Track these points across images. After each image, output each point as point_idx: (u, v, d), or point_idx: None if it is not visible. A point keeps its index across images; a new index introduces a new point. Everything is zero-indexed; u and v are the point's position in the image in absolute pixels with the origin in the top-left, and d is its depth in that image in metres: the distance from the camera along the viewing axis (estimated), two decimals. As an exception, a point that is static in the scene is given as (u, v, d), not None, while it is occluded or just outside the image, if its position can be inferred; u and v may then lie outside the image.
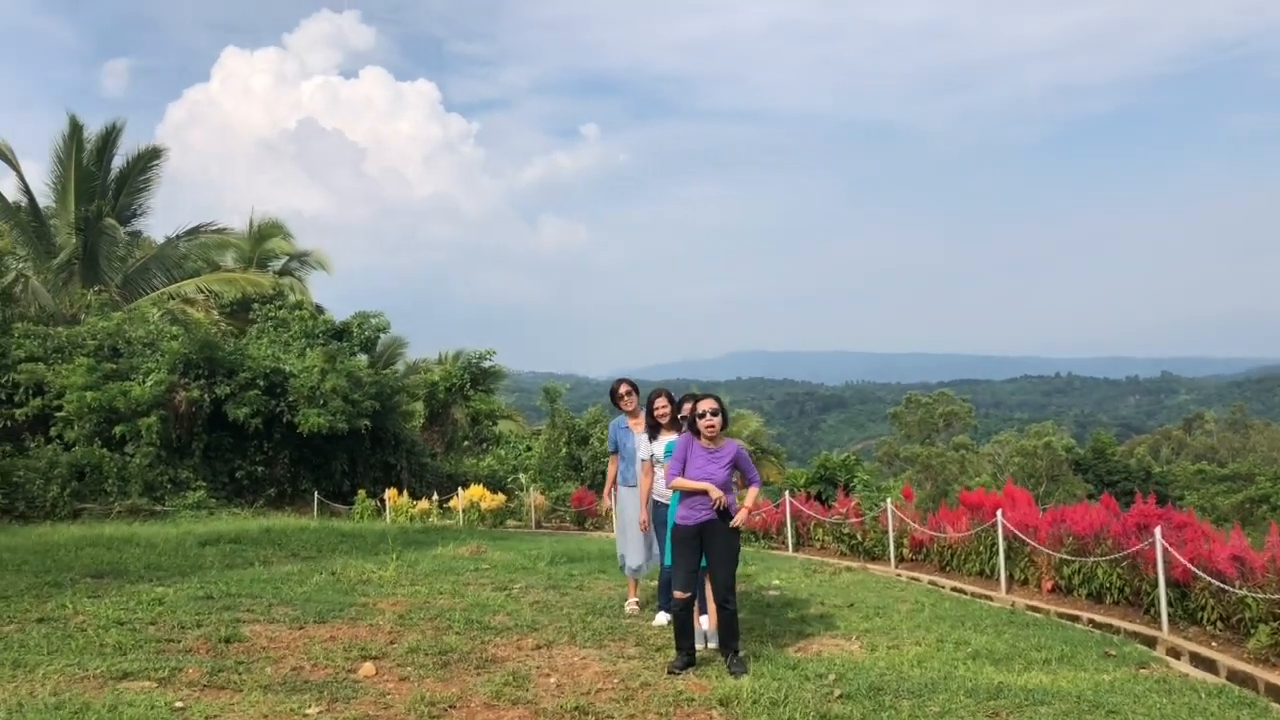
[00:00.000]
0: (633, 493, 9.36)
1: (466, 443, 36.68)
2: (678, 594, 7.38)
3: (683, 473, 7.53)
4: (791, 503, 16.12)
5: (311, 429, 25.19)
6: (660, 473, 8.57)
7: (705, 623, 8.15)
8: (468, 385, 34.11)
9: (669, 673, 7.04)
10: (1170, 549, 8.67)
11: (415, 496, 26.05)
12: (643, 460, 9.02)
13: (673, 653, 7.42)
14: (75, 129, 33.42)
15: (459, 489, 24.19)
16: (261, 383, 25.51)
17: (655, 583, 9.52)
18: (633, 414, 9.52)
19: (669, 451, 8.27)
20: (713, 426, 7.53)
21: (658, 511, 8.71)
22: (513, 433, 41.11)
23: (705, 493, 7.40)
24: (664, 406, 8.82)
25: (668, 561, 7.98)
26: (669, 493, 8.07)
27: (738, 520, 7.55)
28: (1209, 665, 7.81)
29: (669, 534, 7.86)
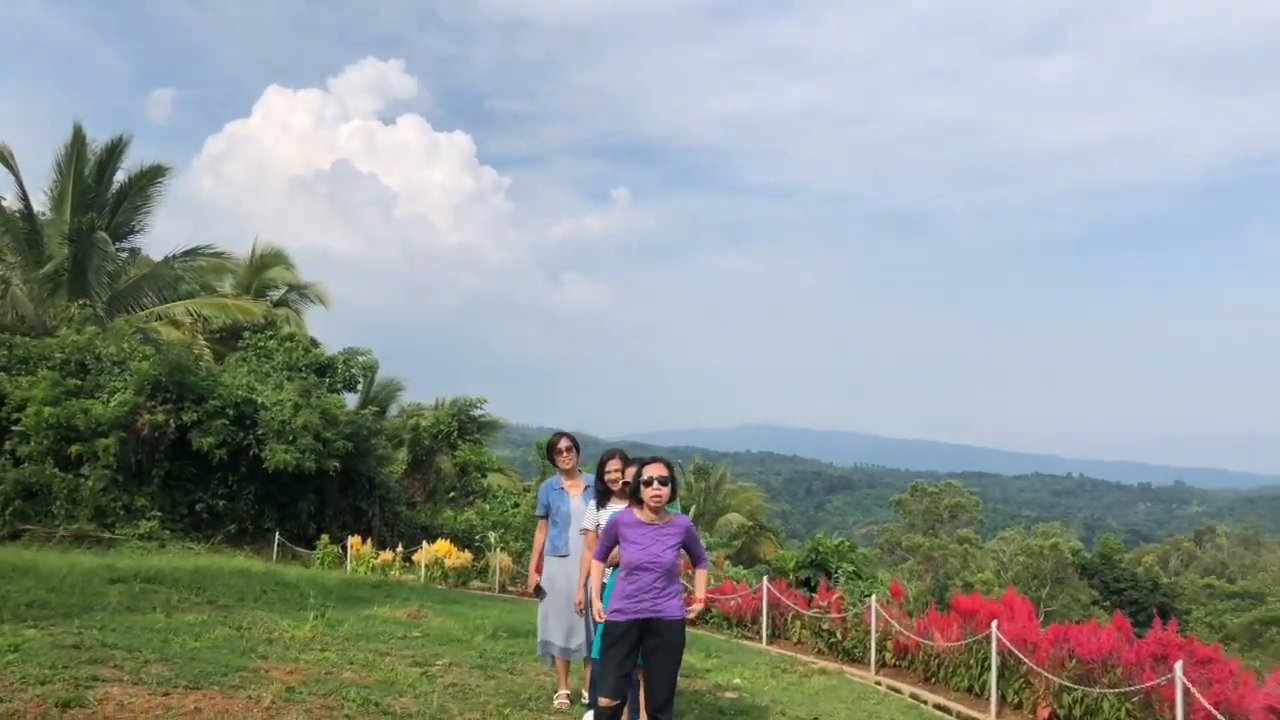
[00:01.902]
0: (562, 565, 8.04)
1: (452, 494, 35.31)
2: (604, 701, 6.07)
3: (606, 554, 6.28)
4: (769, 590, 14.72)
5: (278, 465, 23.94)
6: None
7: (636, 732, 6.83)
8: (455, 433, 32.82)
9: (578, 793, 5.73)
10: (1193, 689, 7.31)
11: (384, 546, 24.73)
12: (585, 530, 7.73)
13: (587, 766, 6.10)
14: (78, 139, 32.71)
15: (424, 542, 22.86)
16: (231, 412, 24.33)
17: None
18: (569, 474, 8.25)
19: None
20: (659, 497, 6.22)
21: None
22: (502, 487, 39.67)
23: (652, 580, 6.12)
24: (616, 470, 7.53)
25: (596, 654, 6.67)
26: (608, 572, 6.79)
27: (696, 608, 6.28)
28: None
29: (599, 626, 6.56)
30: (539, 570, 8.35)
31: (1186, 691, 7.35)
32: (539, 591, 8.22)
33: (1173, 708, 7.46)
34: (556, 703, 8.12)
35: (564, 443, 8.28)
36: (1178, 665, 7.47)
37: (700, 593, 6.59)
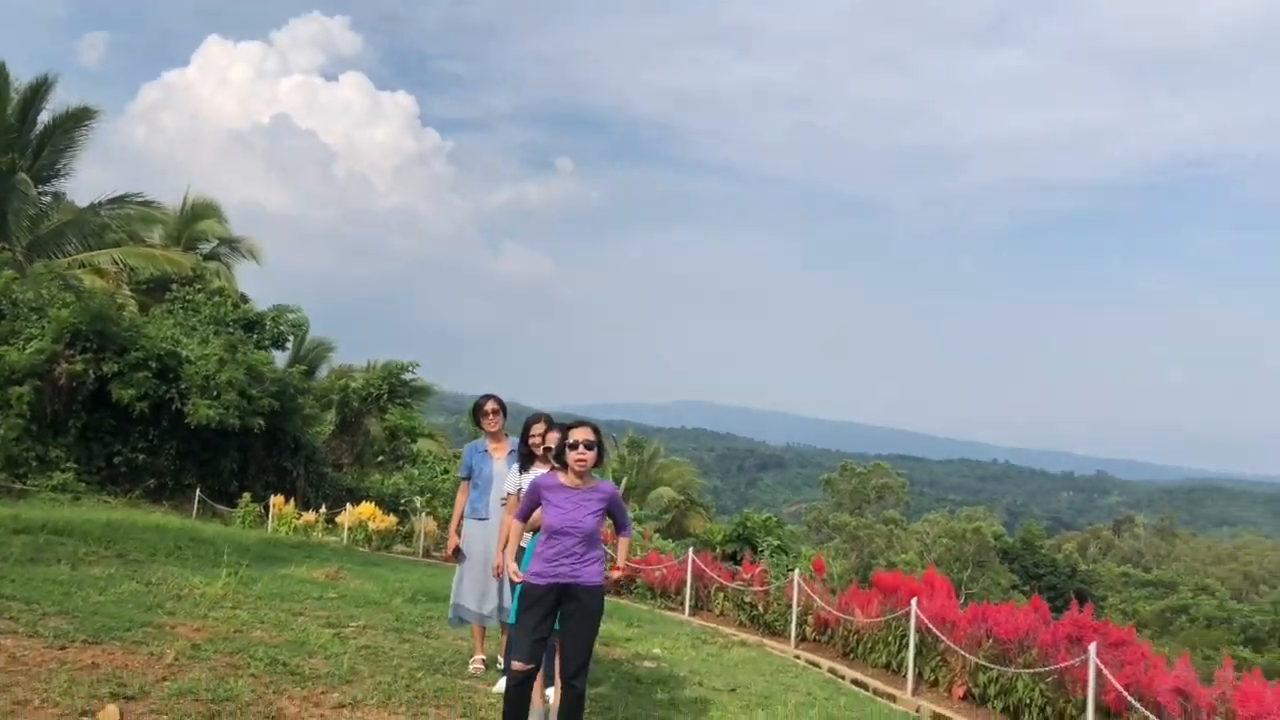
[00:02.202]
0: (481, 528, 7.89)
1: (380, 458, 34.84)
2: (517, 665, 5.92)
3: (527, 515, 6.12)
4: (694, 561, 14.69)
5: (201, 421, 23.37)
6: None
7: (550, 697, 6.70)
8: (385, 397, 32.33)
9: (484, 760, 5.59)
10: (1105, 670, 7.36)
11: (308, 507, 24.33)
12: (508, 494, 7.56)
13: (498, 733, 5.97)
14: (0, 76, 31.44)
15: (348, 504, 22.51)
16: (154, 365, 23.65)
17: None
18: (495, 436, 8.08)
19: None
20: (584, 460, 6.05)
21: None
22: (432, 453, 39.26)
23: (572, 544, 5.96)
24: (539, 433, 7.35)
25: (513, 620, 6.51)
26: (529, 536, 6.63)
27: (616, 575, 6.14)
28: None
29: (517, 590, 6.40)
30: (458, 533, 8.20)
31: (1099, 672, 7.41)
32: (457, 554, 8.07)
33: (1085, 688, 7.52)
34: (471, 667, 7.98)
35: (490, 404, 8.12)
36: (1091, 646, 7.52)
37: (622, 560, 6.47)
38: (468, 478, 8.14)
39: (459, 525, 8.20)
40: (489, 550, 7.75)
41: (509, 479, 7.59)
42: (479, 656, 8.10)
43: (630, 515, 6.55)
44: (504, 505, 7.63)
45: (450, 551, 8.18)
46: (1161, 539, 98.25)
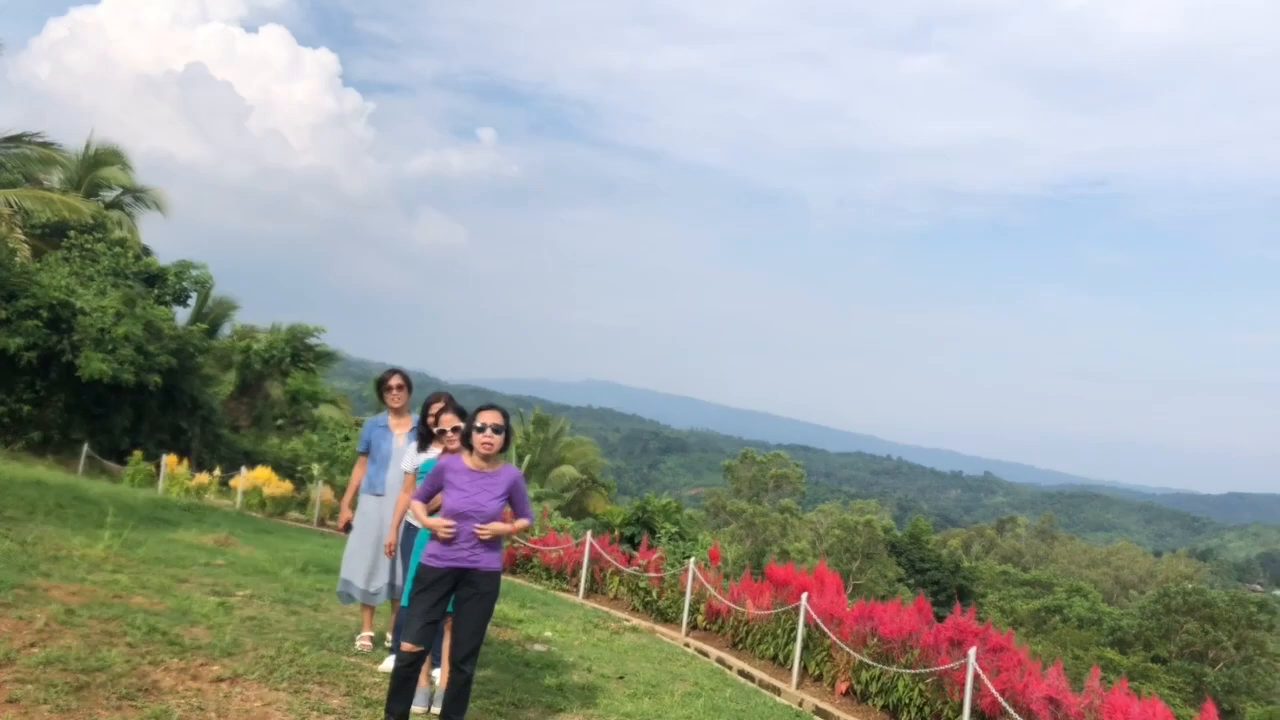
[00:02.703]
0: (377, 504, 7.79)
1: (280, 421, 34.14)
2: (407, 646, 5.86)
3: (429, 497, 6.05)
4: (592, 544, 14.72)
5: (93, 375, 22.62)
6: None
7: (436, 679, 6.66)
8: (288, 360, 31.67)
9: (366, 741, 5.54)
10: (983, 675, 7.59)
11: (202, 468, 23.74)
12: (405, 472, 7.47)
13: (382, 712, 5.90)
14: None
15: (243, 468, 22.04)
16: (45, 314, 22.80)
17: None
18: (398, 413, 7.97)
19: (426, 468, 6.79)
20: (490, 444, 6.00)
21: (408, 537, 7.16)
22: (334, 419, 38.59)
23: (472, 528, 5.91)
24: (435, 413, 7.25)
25: (406, 601, 6.44)
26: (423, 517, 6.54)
27: (488, 531, 5.99)
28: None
29: (412, 571, 6.33)
30: (352, 507, 8.10)
31: (977, 677, 7.64)
32: (349, 528, 7.98)
33: (963, 691, 7.74)
34: (358, 644, 7.88)
35: (395, 380, 8.00)
36: (971, 651, 7.74)
37: (504, 528, 6.20)
38: (366, 452, 8.03)
39: (353, 499, 8.10)
40: (383, 527, 7.68)
41: (406, 457, 7.50)
42: (366, 634, 8.01)
43: (529, 501, 6.50)
44: (401, 481, 7.56)
45: (342, 525, 8.08)
46: (1041, 540, 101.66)
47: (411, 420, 7.95)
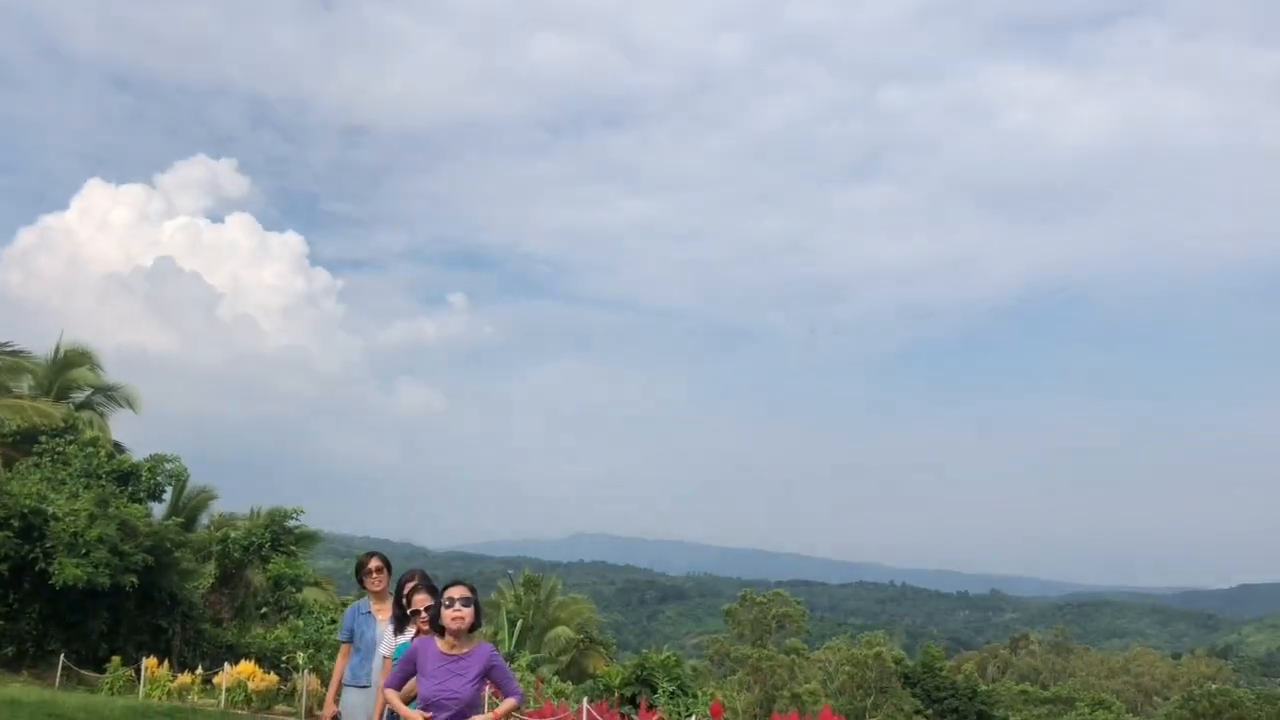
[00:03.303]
0: (364, 696, 7.41)
1: (264, 610, 33.30)
2: None
3: (401, 684, 5.80)
4: (589, 710, 14.21)
5: (67, 581, 22.05)
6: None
7: None
8: (268, 545, 31.06)
9: None
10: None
11: (184, 667, 22.99)
12: (385, 657, 7.19)
13: None
14: None
15: (226, 664, 21.37)
16: (16, 523, 22.36)
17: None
18: (379, 596, 7.68)
19: (400, 651, 6.55)
20: (460, 618, 5.81)
21: None
22: (318, 602, 37.74)
23: (446, 718, 5.65)
24: (408, 591, 7.03)
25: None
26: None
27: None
28: None
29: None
30: (335, 701, 7.73)
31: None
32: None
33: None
34: None
35: (374, 563, 7.71)
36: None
37: (492, 715, 5.94)
38: (349, 640, 7.67)
39: (337, 693, 7.74)
40: None
41: (383, 642, 7.24)
42: None
43: (513, 676, 6.23)
44: (384, 667, 7.27)
45: (326, 719, 7.69)
46: (1057, 654, 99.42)
47: (390, 605, 7.69)
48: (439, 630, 5.89)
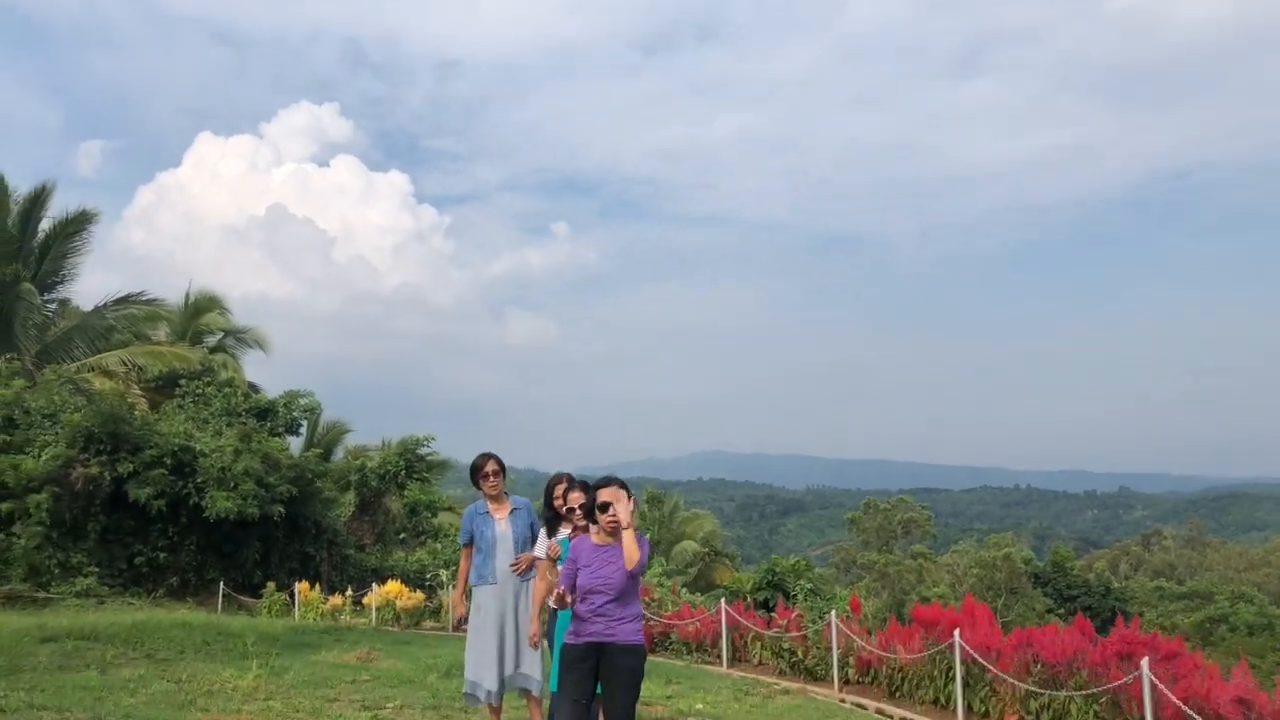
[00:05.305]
0: (489, 593, 7.59)
1: (402, 535, 34.59)
2: (559, 730, 5.79)
3: (573, 581, 6.00)
4: (728, 611, 14.48)
5: (219, 513, 23.22)
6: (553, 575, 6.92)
7: (597, 764, 6.52)
8: (403, 473, 32.14)
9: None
10: (1160, 685, 7.18)
11: (334, 590, 24.08)
12: (538, 559, 7.41)
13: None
14: (-1, 188, 31.84)
15: (374, 585, 22.30)
16: (169, 461, 23.57)
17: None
18: (495, 498, 7.85)
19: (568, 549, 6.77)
20: (614, 521, 6.00)
21: (549, 622, 7.08)
22: (454, 526, 39.03)
23: (604, 603, 5.85)
24: (561, 493, 7.20)
25: (554, 686, 6.36)
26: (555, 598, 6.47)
27: (623, 517, 5.89)
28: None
29: (556, 654, 6.27)
30: (465, 599, 7.94)
31: (1154, 688, 7.22)
32: (464, 622, 7.79)
33: (1141, 706, 7.32)
34: None
35: (490, 465, 7.85)
36: (1144, 662, 7.34)
37: (626, 513, 6.04)
38: (470, 543, 7.86)
39: (465, 592, 7.96)
40: (502, 617, 7.53)
41: (539, 544, 7.45)
42: None
43: (647, 561, 6.33)
44: (508, 567, 7.50)
45: (457, 620, 7.89)
46: (1192, 549, 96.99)
47: (510, 504, 7.85)
48: (594, 525, 6.08)
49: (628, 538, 5.88)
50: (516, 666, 7.52)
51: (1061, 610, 56.80)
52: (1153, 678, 7.20)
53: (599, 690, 5.91)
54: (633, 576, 5.89)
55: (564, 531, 7.03)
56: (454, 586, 23.70)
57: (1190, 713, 6.93)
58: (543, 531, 7.41)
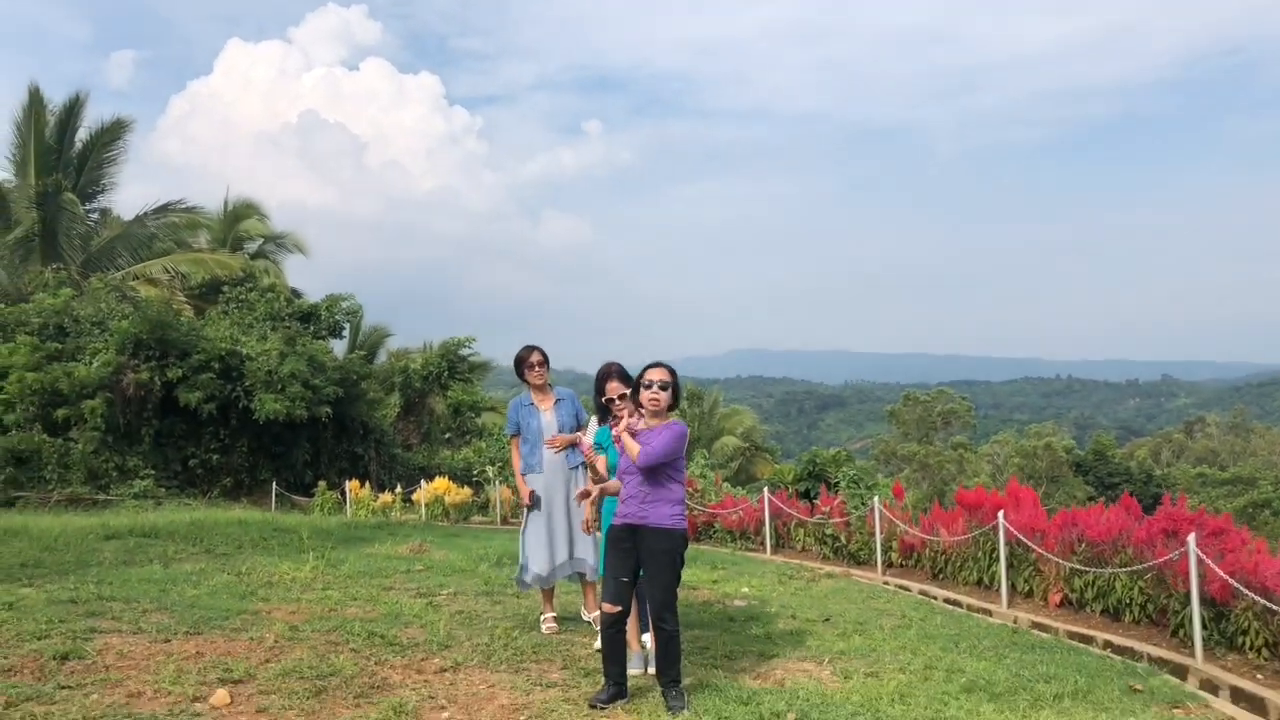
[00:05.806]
0: (539, 481, 7.73)
1: (448, 434, 35.19)
2: (606, 607, 5.91)
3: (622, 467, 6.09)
4: (771, 500, 14.65)
5: (268, 415, 23.71)
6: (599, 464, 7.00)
7: (647, 642, 6.68)
8: (445, 374, 32.57)
9: (591, 706, 5.62)
10: (1206, 560, 7.21)
11: (383, 488, 24.65)
12: (589, 445, 7.50)
13: (601, 679, 5.97)
14: (35, 100, 31.89)
15: (422, 482, 22.78)
16: (217, 365, 24.02)
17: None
18: (540, 389, 7.92)
19: (600, 437, 6.85)
20: (657, 400, 6.01)
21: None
22: (498, 425, 39.60)
23: (637, 484, 5.94)
24: (615, 390, 7.21)
25: (602, 569, 6.50)
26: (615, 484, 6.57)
27: (620, 429, 6.01)
28: (1257, 705, 6.36)
29: (604, 534, 6.40)
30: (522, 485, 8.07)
31: (1200, 563, 7.26)
32: (534, 498, 7.90)
33: (1187, 581, 7.37)
34: (545, 628, 7.87)
35: (535, 356, 7.90)
36: (1190, 537, 7.36)
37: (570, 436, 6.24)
38: (517, 434, 7.98)
39: (522, 479, 8.09)
40: (550, 504, 7.68)
41: (589, 431, 7.53)
42: (549, 615, 7.94)
43: (681, 451, 6.38)
44: (555, 454, 7.60)
45: (527, 499, 7.98)
46: (1236, 436, 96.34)
47: (554, 394, 7.92)
48: (638, 409, 6.13)
49: (626, 440, 5.97)
50: (571, 553, 7.68)
51: (1103, 498, 56.98)
52: (1199, 553, 7.23)
53: (641, 573, 6.04)
54: (644, 470, 5.93)
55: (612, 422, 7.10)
56: (508, 477, 24.18)
57: (1237, 585, 6.96)
58: (592, 419, 7.48)
